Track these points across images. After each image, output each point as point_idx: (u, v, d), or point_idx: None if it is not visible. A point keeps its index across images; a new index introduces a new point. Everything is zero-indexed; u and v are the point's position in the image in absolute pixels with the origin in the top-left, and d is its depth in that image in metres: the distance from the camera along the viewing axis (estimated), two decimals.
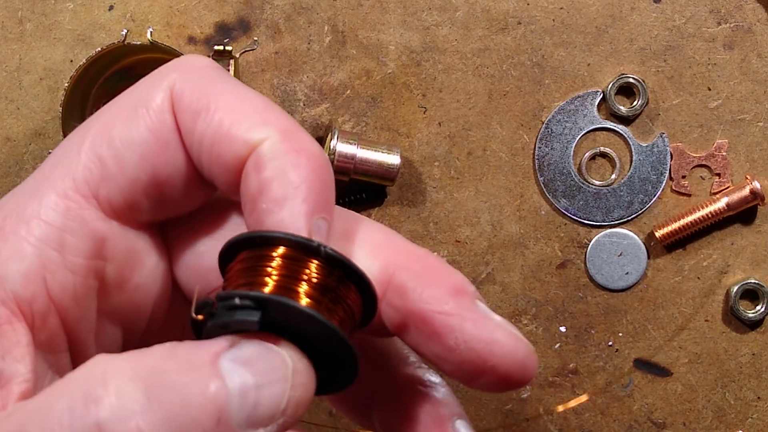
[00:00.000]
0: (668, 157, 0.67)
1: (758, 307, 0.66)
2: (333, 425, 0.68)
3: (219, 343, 0.32)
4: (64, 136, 0.63)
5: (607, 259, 0.67)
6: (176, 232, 0.38)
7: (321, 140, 0.66)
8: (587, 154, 0.67)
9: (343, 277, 0.33)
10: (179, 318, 0.39)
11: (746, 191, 0.65)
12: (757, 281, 0.66)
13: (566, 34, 0.66)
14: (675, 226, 0.66)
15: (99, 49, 0.64)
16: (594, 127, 0.67)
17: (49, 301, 0.35)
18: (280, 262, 0.32)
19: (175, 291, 0.39)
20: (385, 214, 0.67)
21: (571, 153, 0.67)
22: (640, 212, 0.67)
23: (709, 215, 0.66)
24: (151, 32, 0.64)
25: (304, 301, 0.32)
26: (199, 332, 0.33)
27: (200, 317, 0.32)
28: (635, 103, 0.66)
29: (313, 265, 0.32)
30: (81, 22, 0.66)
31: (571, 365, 0.67)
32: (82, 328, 0.36)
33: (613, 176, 0.67)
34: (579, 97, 0.67)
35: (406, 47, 0.66)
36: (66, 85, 0.64)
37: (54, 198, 0.35)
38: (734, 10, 0.66)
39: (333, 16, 0.66)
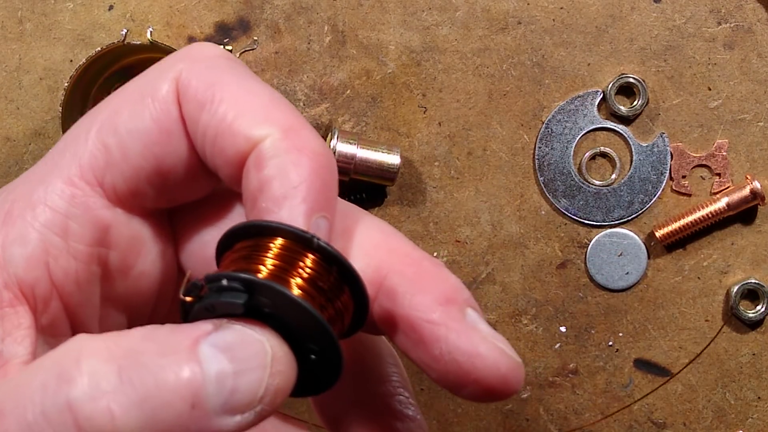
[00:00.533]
0: (668, 157, 0.67)
1: (758, 307, 0.66)
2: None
3: (201, 327, 0.31)
4: None
5: (607, 259, 0.67)
6: (183, 220, 0.39)
7: None
8: (587, 154, 0.67)
9: (337, 277, 0.33)
10: None
11: (746, 191, 0.65)
12: (757, 281, 0.66)
13: (566, 34, 0.66)
14: (675, 226, 0.66)
15: (99, 48, 0.64)
16: (594, 127, 0.67)
17: (51, 285, 0.35)
18: (275, 253, 0.32)
19: (181, 279, 0.39)
20: (385, 214, 0.67)
21: (571, 153, 0.67)
22: (640, 212, 0.67)
23: (709, 215, 0.66)
24: (151, 32, 0.64)
25: (295, 292, 0.32)
26: (187, 315, 0.33)
27: (189, 299, 0.32)
28: (635, 103, 0.66)
29: (309, 260, 0.32)
30: (81, 21, 0.66)
31: (571, 365, 0.67)
32: (85, 313, 0.37)
33: (613, 176, 0.67)
34: (579, 97, 0.67)
35: (406, 47, 0.66)
36: (66, 85, 0.64)
37: (60, 184, 0.36)
38: (734, 10, 0.66)
39: (333, 16, 0.66)
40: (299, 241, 0.32)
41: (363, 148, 0.64)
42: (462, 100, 0.67)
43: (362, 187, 0.66)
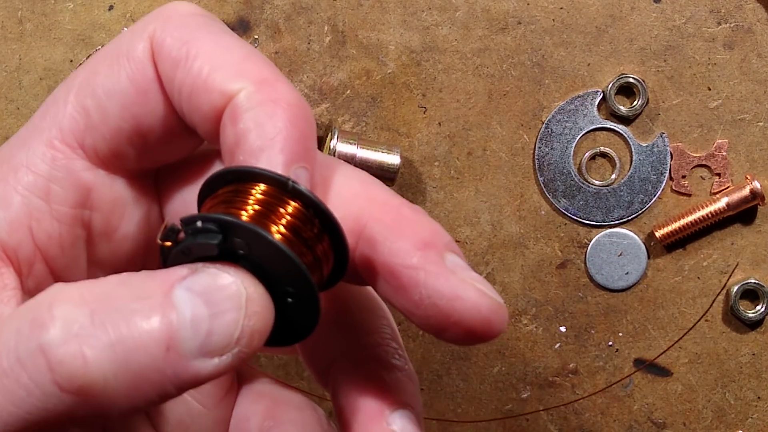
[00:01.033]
0: (668, 157, 0.67)
1: (758, 307, 0.66)
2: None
3: (177, 272, 0.31)
4: None
5: (607, 259, 0.67)
6: (167, 181, 0.39)
7: (321, 140, 0.66)
8: (587, 154, 0.67)
9: (316, 223, 0.32)
10: None
11: (746, 191, 0.65)
12: (757, 281, 0.66)
13: (566, 34, 0.66)
14: (675, 226, 0.66)
15: (99, 48, 0.64)
16: (594, 127, 0.67)
17: (35, 248, 0.35)
18: (253, 198, 0.32)
19: None
20: None
21: (571, 153, 0.67)
22: (640, 212, 0.67)
23: (709, 215, 0.66)
24: None
25: (274, 235, 0.31)
26: (165, 261, 0.32)
27: (167, 244, 0.32)
28: (635, 103, 0.66)
29: (287, 205, 0.32)
30: (81, 22, 0.66)
31: (571, 365, 0.67)
32: (71, 276, 0.37)
33: (613, 176, 0.67)
34: (579, 97, 0.67)
35: (406, 47, 0.66)
36: None
37: (41, 148, 0.36)
38: (734, 10, 0.66)
39: (333, 16, 0.66)
40: (274, 185, 0.32)
41: (363, 148, 0.64)
42: (462, 100, 0.67)
43: None
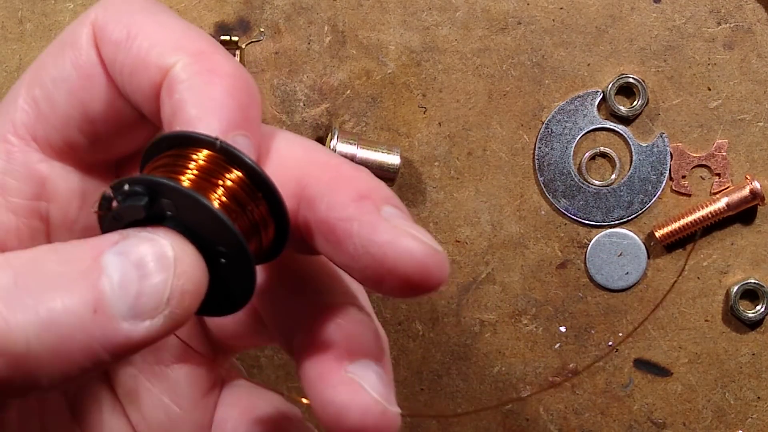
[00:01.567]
0: (668, 157, 0.67)
1: (758, 307, 0.66)
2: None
3: (109, 238, 0.31)
4: None
5: (607, 259, 0.67)
6: (127, 171, 0.39)
7: (321, 140, 0.66)
8: (587, 154, 0.67)
9: (253, 187, 0.32)
10: None
11: (746, 191, 0.65)
12: (757, 281, 0.66)
13: (566, 34, 0.66)
14: (675, 226, 0.66)
15: None
16: (594, 127, 0.67)
17: None
18: (192, 163, 0.32)
19: None
20: None
21: (571, 153, 0.67)
22: (640, 212, 0.67)
23: (709, 215, 0.66)
24: None
25: (212, 200, 0.31)
26: (102, 229, 0.32)
27: (102, 213, 0.32)
28: (635, 103, 0.66)
29: (227, 172, 0.32)
30: None
31: (571, 365, 0.68)
32: None
33: (613, 176, 0.67)
34: (579, 97, 0.67)
35: (406, 47, 0.66)
36: None
37: None
38: (734, 10, 0.66)
39: (333, 16, 0.66)
40: (203, 146, 0.32)
41: (363, 148, 0.64)
42: (462, 100, 0.67)
43: None
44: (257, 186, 0.32)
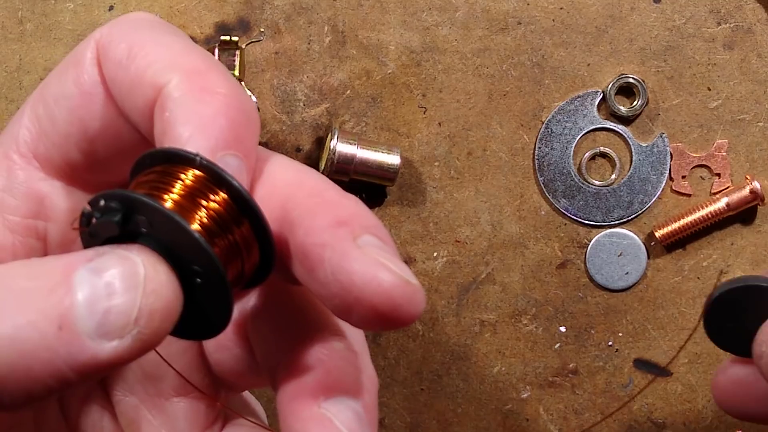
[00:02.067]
0: (668, 157, 0.67)
1: None
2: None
3: (84, 254, 0.30)
4: None
5: (607, 259, 0.67)
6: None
7: (321, 140, 0.66)
8: (587, 154, 0.67)
9: (236, 209, 0.31)
10: None
11: (746, 191, 0.65)
12: None
13: (566, 34, 0.66)
14: (675, 226, 0.66)
15: None
16: (594, 127, 0.67)
17: None
18: (176, 182, 0.31)
19: None
20: (385, 214, 0.67)
21: (571, 153, 0.67)
22: (640, 212, 0.67)
23: (709, 215, 0.66)
24: None
25: (195, 227, 0.30)
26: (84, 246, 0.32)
27: (82, 229, 0.31)
28: (635, 103, 0.66)
29: (211, 193, 0.31)
30: (81, 22, 0.66)
31: (571, 365, 0.68)
32: None
33: (613, 176, 0.67)
34: (579, 97, 0.67)
35: (406, 47, 0.66)
36: None
37: None
38: (734, 10, 0.66)
39: (333, 16, 0.66)
40: (183, 162, 0.31)
41: (363, 148, 0.64)
42: (462, 100, 0.67)
43: (362, 187, 0.66)
44: (240, 208, 0.31)
